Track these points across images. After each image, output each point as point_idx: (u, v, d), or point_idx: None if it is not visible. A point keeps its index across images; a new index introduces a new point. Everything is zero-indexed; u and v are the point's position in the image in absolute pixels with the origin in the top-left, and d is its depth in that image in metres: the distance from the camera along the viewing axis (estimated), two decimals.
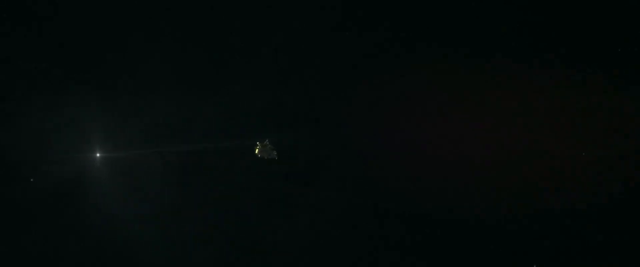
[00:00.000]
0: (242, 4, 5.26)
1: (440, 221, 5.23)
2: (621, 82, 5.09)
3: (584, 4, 5.19)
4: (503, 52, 5.19)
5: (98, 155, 5.21)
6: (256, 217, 5.37)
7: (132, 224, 5.16)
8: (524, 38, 5.21)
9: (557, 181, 5.10)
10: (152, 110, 5.33)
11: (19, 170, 5.10)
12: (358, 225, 5.33)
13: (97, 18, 5.15)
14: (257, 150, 5.35)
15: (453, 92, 5.28)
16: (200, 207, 5.36)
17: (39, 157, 5.13)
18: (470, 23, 5.27)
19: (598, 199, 5.01)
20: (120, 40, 5.24)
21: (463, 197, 5.23)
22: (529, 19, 5.23)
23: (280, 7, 5.25)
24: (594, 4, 5.18)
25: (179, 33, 5.29)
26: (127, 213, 5.19)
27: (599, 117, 5.09)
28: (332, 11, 5.29)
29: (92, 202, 5.17)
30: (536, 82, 5.17)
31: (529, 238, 5.09)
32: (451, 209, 5.23)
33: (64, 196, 5.15)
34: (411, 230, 5.26)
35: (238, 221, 5.34)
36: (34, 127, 5.11)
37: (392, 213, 5.31)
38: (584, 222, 5.01)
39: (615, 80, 5.10)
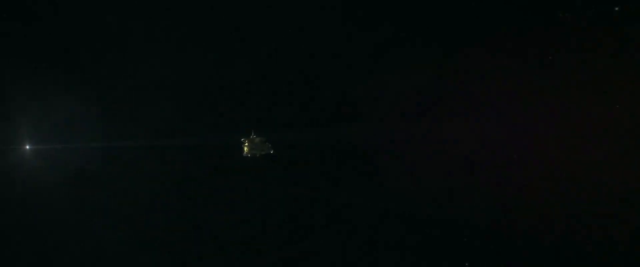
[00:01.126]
0: (242, 4, 5.26)
1: (440, 221, 5.24)
2: (621, 82, 5.09)
3: (584, 4, 5.19)
4: (503, 52, 5.19)
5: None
6: (256, 218, 5.38)
7: (127, 222, 5.19)
8: (524, 38, 5.21)
9: (557, 181, 5.10)
10: (150, 109, 5.33)
11: None
12: (358, 225, 5.34)
13: (96, 18, 5.16)
14: (245, 148, 5.22)
15: (453, 92, 5.29)
16: (200, 206, 5.36)
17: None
18: (470, 23, 5.27)
19: (598, 199, 5.00)
20: (120, 40, 5.25)
21: (463, 197, 5.23)
22: (529, 19, 5.22)
23: (280, 7, 5.25)
24: (594, 4, 5.18)
25: (179, 33, 5.30)
26: (123, 212, 5.22)
27: (599, 117, 5.08)
28: (332, 11, 5.30)
29: (91, 200, 5.19)
30: (536, 82, 5.17)
31: (528, 238, 5.08)
32: (451, 209, 5.23)
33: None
34: (411, 230, 5.27)
35: (238, 221, 5.34)
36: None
37: (392, 213, 5.32)
38: (583, 222, 5.00)
39: (615, 80, 5.10)
